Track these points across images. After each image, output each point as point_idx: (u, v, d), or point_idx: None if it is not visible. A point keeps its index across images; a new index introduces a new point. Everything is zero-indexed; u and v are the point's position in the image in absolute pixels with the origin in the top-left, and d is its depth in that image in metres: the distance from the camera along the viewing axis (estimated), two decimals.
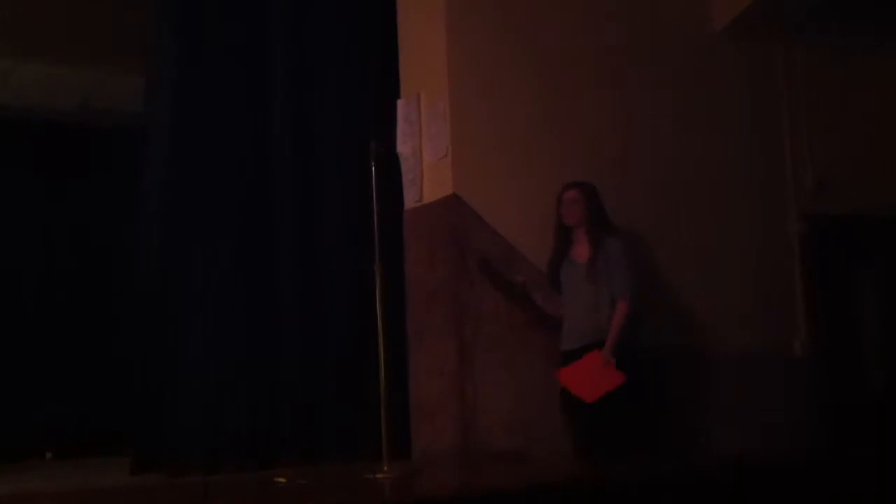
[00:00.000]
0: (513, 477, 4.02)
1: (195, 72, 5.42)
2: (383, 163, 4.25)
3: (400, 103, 5.19)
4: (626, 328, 4.44)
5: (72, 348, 7.56)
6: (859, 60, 6.13)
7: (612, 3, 5.44)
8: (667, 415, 4.94)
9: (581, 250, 4.62)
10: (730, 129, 5.65)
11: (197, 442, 5.06)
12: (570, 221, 4.66)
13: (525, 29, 5.19)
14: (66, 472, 6.04)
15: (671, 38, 5.57)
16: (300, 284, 5.33)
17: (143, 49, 5.68)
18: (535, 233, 4.83)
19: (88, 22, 6.53)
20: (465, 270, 4.79)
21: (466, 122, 4.98)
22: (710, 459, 4.58)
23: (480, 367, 4.77)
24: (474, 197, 4.89)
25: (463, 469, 4.52)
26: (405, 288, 5.04)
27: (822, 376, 5.62)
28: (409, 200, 5.10)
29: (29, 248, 7.84)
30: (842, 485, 3.78)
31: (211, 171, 5.36)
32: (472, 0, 5.10)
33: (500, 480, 3.93)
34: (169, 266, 5.29)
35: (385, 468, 3.92)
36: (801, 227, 5.74)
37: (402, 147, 5.11)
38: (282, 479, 3.97)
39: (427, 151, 5.04)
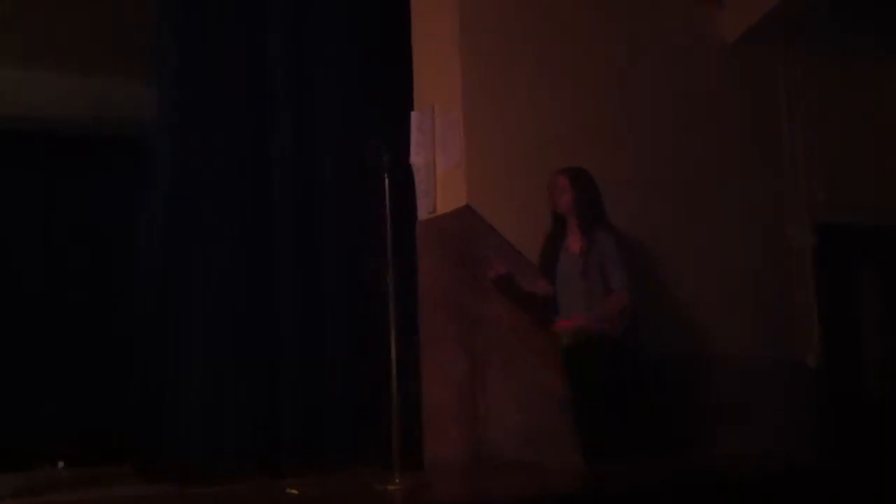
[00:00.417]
0: (524, 487, 4.00)
1: (196, 72, 5.43)
2: (388, 169, 4.23)
3: (414, 115, 5.20)
4: (622, 317, 4.34)
5: (71, 348, 7.55)
6: (866, 72, 6.15)
7: (624, 15, 5.46)
8: (672, 421, 4.94)
9: (573, 240, 4.54)
10: (739, 141, 5.69)
11: (197, 445, 5.06)
12: (559, 209, 4.60)
13: (537, 40, 5.20)
14: (77, 481, 6.01)
15: (682, 50, 5.60)
16: (300, 286, 5.32)
17: (145, 55, 5.70)
18: None
19: (92, 30, 6.58)
20: (477, 281, 4.78)
21: (479, 133, 4.99)
22: (717, 468, 4.58)
23: (491, 377, 4.76)
24: (487, 208, 4.90)
25: (474, 480, 4.51)
26: (411, 294, 5.02)
27: (828, 384, 5.63)
28: (423, 211, 5.10)
29: (30, 249, 7.84)
30: (845, 491, 3.78)
31: (211, 172, 5.36)
32: (485, 11, 5.12)
33: (512, 491, 3.91)
34: (169, 267, 5.29)
35: (396, 479, 3.90)
36: (812, 239, 5.75)
37: (416, 158, 5.11)
38: (294, 490, 3.95)
39: (440, 162, 5.05)
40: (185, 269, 5.27)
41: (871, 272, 6.24)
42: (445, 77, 5.10)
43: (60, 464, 6.72)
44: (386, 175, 4.20)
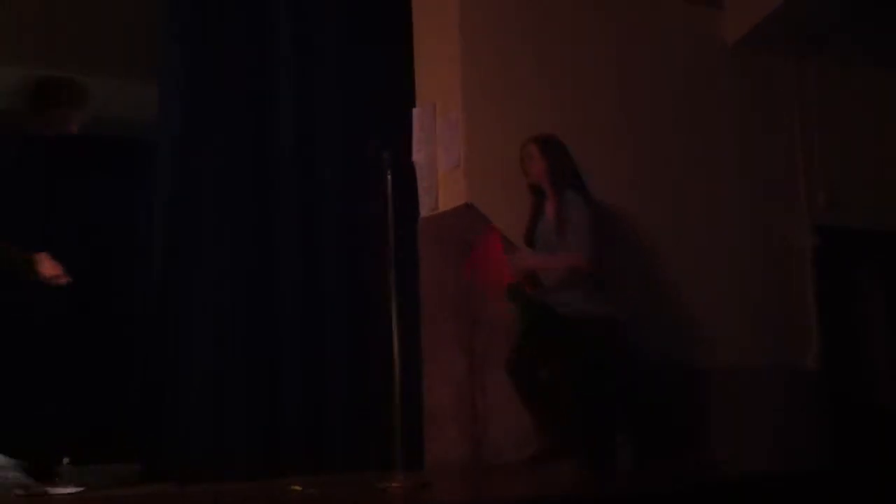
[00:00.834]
0: (524, 488, 4.00)
1: (197, 72, 5.41)
2: (389, 167, 4.23)
3: (415, 112, 5.21)
4: (572, 276, 4.30)
5: (71, 348, 7.54)
6: (870, 75, 6.15)
7: (625, 15, 5.48)
8: (672, 428, 4.94)
9: (550, 207, 4.56)
10: (739, 142, 5.70)
11: (198, 444, 5.05)
12: (531, 179, 4.61)
13: (537, 40, 5.22)
14: (80, 478, 6.01)
15: (683, 52, 5.61)
16: (301, 285, 5.31)
17: (146, 54, 5.70)
18: None
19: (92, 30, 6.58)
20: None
21: (479, 133, 4.99)
22: (716, 470, 4.58)
23: (492, 378, 4.76)
24: (488, 206, 4.90)
25: (475, 480, 4.50)
26: (412, 294, 5.03)
27: (827, 385, 5.64)
28: (425, 209, 5.11)
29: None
30: (845, 494, 3.78)
31: (212, 172, 5.34)
32: (485, 11, 5.14)
33: (512, 491, 3.91)
34: (170, 267, 5.29)
35: (397, 479, 3.89)
36: (814, 240, 5.76)
37: (418, 156, 5.12)
38: (297, 487, 3.95)
39: (441, 160, 5.05)
40: (185, 269, 5.27)
41: (872, 274, 6.25)
42: (446, 77, 5.11)
43: (66, 460, 6.73)
44: (388, 172, 4.20)
